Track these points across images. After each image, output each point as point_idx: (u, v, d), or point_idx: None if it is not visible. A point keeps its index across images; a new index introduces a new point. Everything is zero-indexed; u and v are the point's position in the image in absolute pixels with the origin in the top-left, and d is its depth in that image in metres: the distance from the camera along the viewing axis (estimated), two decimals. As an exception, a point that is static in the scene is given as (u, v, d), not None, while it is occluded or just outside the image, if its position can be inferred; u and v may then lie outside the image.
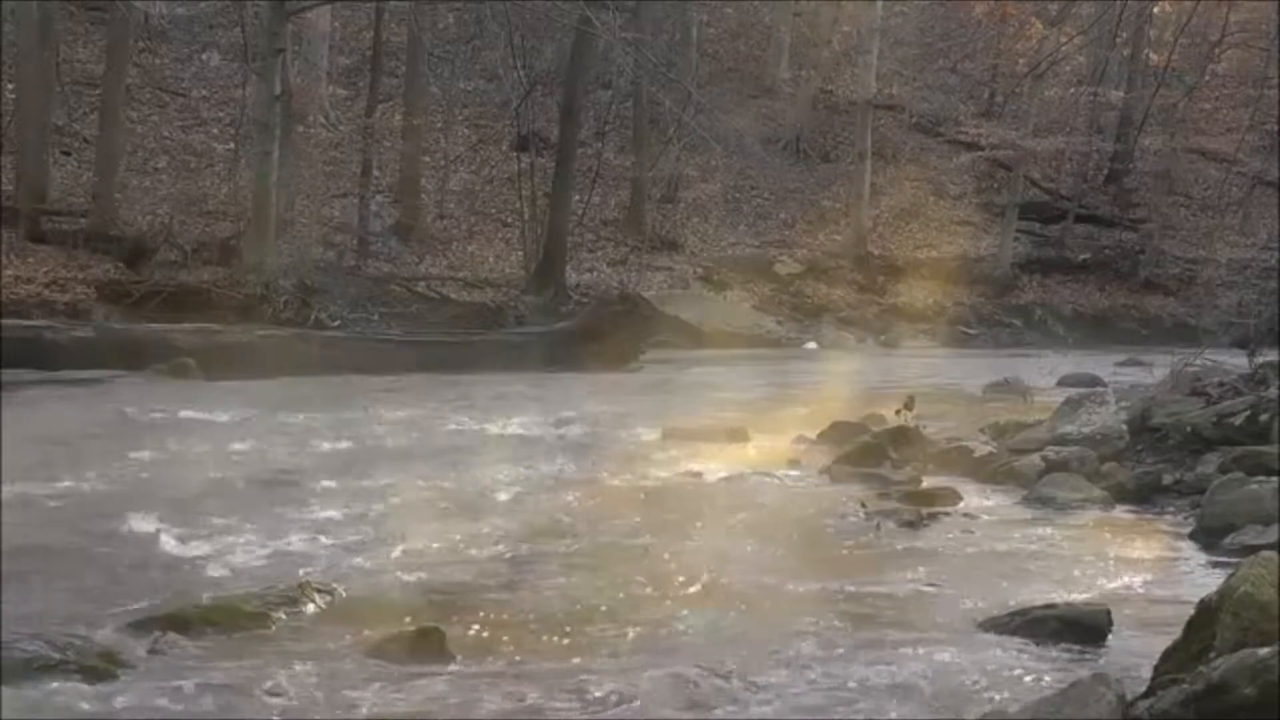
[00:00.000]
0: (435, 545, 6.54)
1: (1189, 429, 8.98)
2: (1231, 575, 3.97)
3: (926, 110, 32.15)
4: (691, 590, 5.77)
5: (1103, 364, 18.02)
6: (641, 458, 9.57)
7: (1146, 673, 3.93)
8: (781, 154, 29.60)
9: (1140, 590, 5.96)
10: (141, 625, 4.91)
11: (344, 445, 9.93)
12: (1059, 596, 5.57)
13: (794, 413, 11.78)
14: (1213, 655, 3.63)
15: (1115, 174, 31.20)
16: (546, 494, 8.10)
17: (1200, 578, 6.07)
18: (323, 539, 6.61)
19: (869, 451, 9.47)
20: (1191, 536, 7.12)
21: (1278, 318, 15.90)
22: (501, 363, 16.02)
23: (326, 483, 8.20)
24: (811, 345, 23.89)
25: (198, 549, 6.33)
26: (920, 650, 4.88)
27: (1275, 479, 7.21)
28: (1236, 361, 11.31)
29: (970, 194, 29.82)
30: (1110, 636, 5.06)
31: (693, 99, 25.38)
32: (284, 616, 5.15)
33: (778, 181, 28.72)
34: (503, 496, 7.99)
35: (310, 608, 5.28)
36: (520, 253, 24.04)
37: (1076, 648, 4.95)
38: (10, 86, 22.66)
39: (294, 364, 14.92)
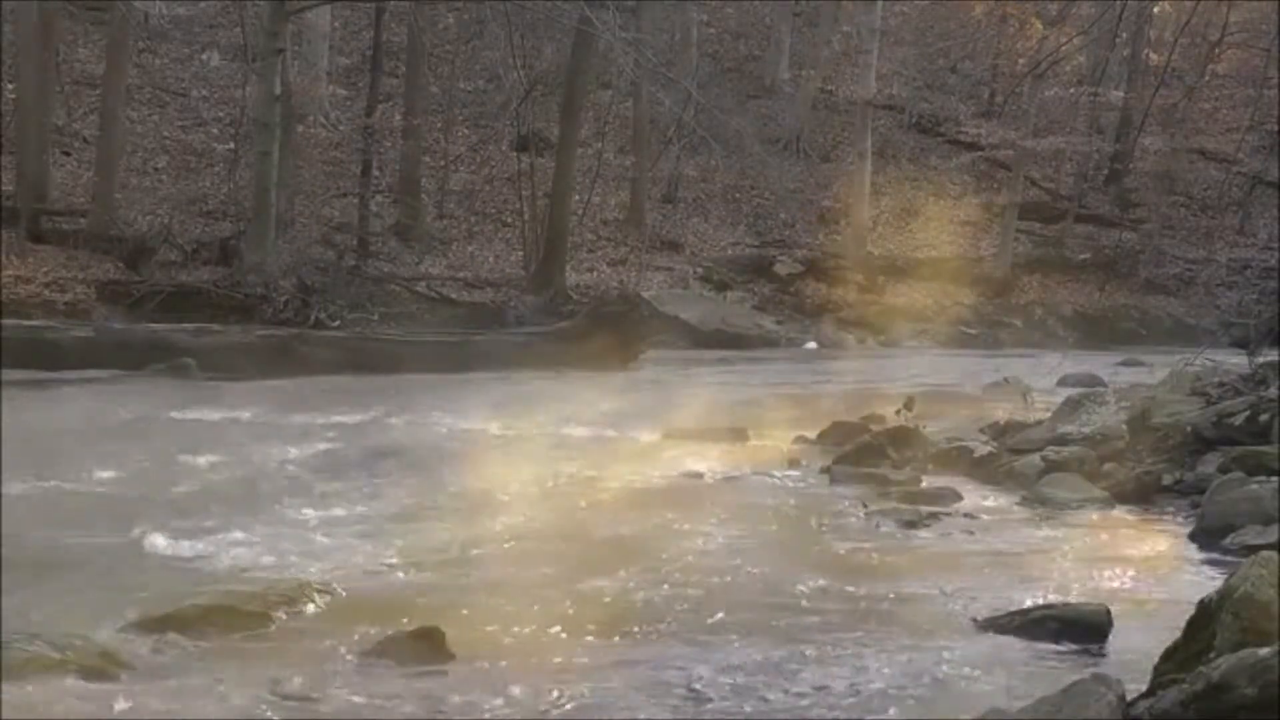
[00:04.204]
0: (435, 545, 6.54)
1: (1189, 429, 8.98)
2: (1231, 575, 3.98)
3: (926, 110, 32.14)
4: (691, 590, 5.77)
5: (1103, 364, 18.01)
6: (641, 458, 9.57)
7: (1146, 673, 3.93)
8: (781, 154, 29.57)
9: (1140, 590, 5.96)
10: (141, 625, 4.91)
11: (343, 445, 9.93)
12: (1059, 596, 5.58)
13: (794, 413, 11.79)
14: (1213, 655, 3.63)
15: (1115, 174, 31.18)
16: (546, 494, 8.10)
17: (1200, 578, 6.07)
18: (323, 539, 6.61)
19: (869, 451, 9.48)
20: (1191, 536, 7.12)
21: (1278, 318, 15.87)
22: (501, 363, 16.01)
23: (326, 483, 8.20)
24: (811, 345, 23.86)
25: (198, 549, 6.33)
26: (920, 650, 4.89)
27: (1275, 479, 7.21)
28: (1236, 361, 11.30)
29: (970, 194, 29.80)
30: (1110, 636, 5.06)
31: (693, 99, 25.36)
32: (284, 616, 5.15)
33: (778, 181, 28.68)
34: (502, 497, 7.98)
35: (310, 608, 5.28)
36: (520, 253, 24.03)
37: (1076, 648, 4.95)
38: (10, 86, 22.64)
39: (294, 364, 14.92)
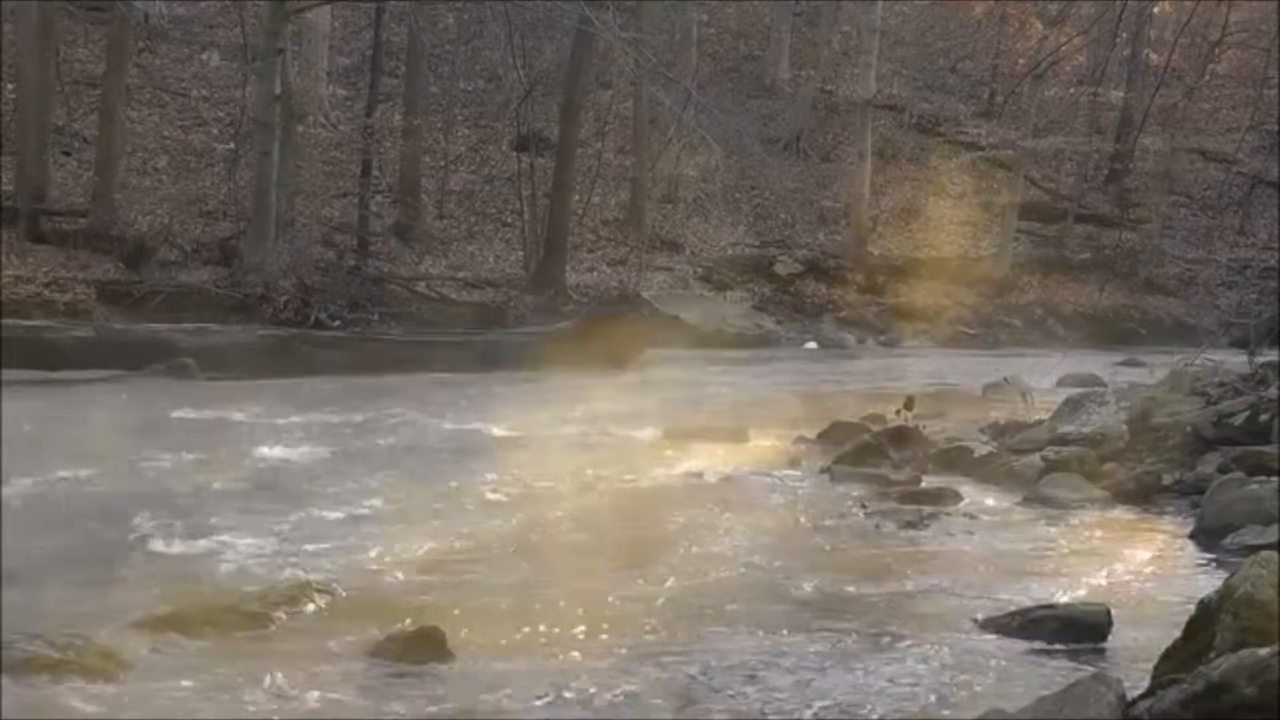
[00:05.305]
0: (435, 545, 6.54)
1: (1189, 429, 8.98)
2: (1231, 575, 3.98)
3: (926, 110, 32.13)
4: (690, 590, 5.77)
5: (1103, 364, 18.02)
6: (641, 457, 9.57)
7: (1146, 673, 3.94)
8: (781, 154, 29.55)
9: (1140, 590, 5.97)
10: (141, 625, 4.91)
11: (343, 445, 9.93)
12: (1059, 596, 5.58)
13: (794, 413, 11.78)
14: (1213, 655, 3.63)
15: (1115, 174, 31.17)
16: (546, 494, 8.10)
17: (1200, 578, 6.07)
18: (323, 539, 6.61)
19: (869, 451, 9.48)
20: (1191, 536, 7.13)
21: (1278, 318, 15.88)
22: (501, 363, 16.01)
23: (326, 482, 8.20)
24: (811, 345, 23.87)
25: (198, 549, 6.33)
26: (920, 650, 4.89)
27: (1275, 479, 7.22)
28: (1236, 361, 11.31)
29: (970, 194, 29.75)
30: (1110, 636, 5.07)
31: (693, 99, 25.33)
32: (284, 616, 5.15)
33: (778, 181, 28.66)
34: (502, 496, 7.99)
35: (310, 608, 5.28)
36: (520, 253, 24.02)
37: (1076, 648, 4.96)
38: (10, 86, 22.62)
39: (294, 364, 14.92)
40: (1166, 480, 8.36)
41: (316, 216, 23.21)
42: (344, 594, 5.50)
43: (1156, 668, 3.90)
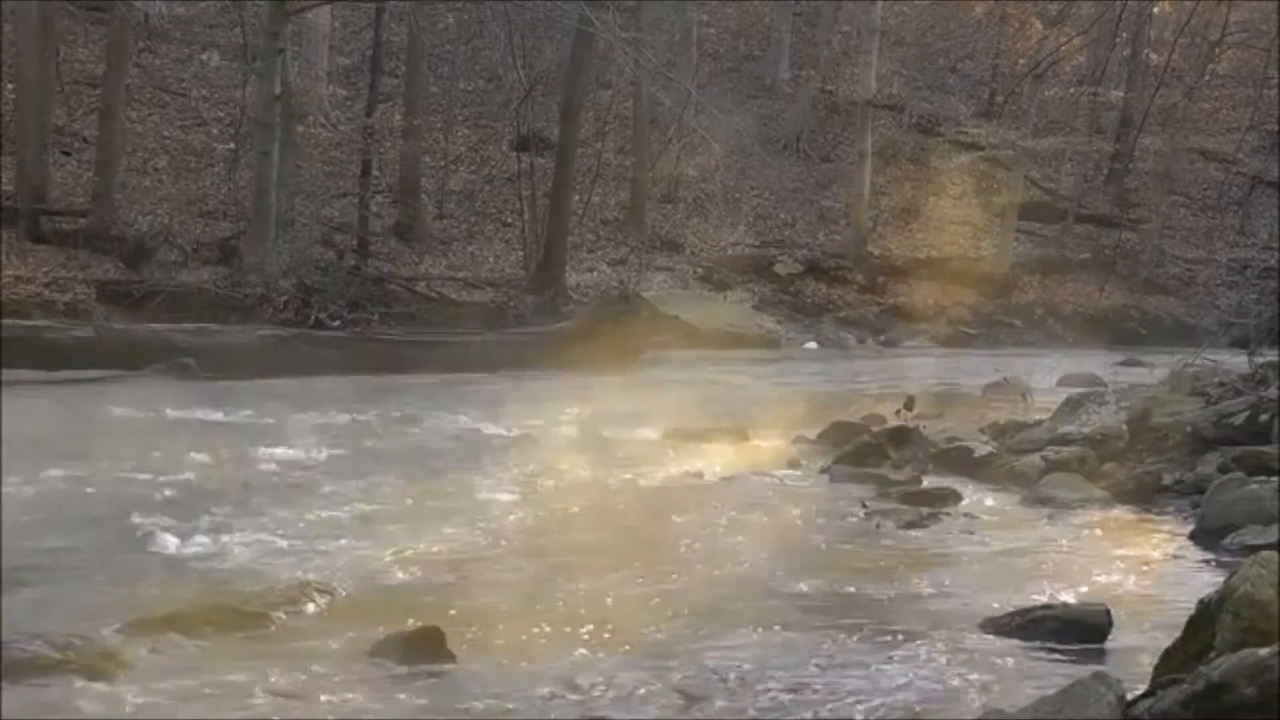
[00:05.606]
0: (435, 545, 6.55)
1: (1189, 429, 8.98)
2: (1231, 575, 3.98)
3: (926, 110, 32.13)
4: (690, 590, 5.77)
5: (1103, 364, 18.02)
6: (641, 458, 9.57)
7: (1146, 673, 3.94)
8: (781, 154, 29.57)
9: (1140, 590, 5.97)
10: (141, 625, 4.91)
11: (343, 445, 9.93)
12: (1059, 596, 5.58)
13: (794, 413, 11.78)
14: (1213, 655, 3.63)
15: (1115, 174, 31.18)
16: (546, 494, 8.10)
17: (1200, 578, 6.07)
18: (323, 539, 6.61)
19: (869, 451, 9.48)
20: (1191, 536, 7.13)
21: (1278, 318, 15.88)
22: (501, 363, 16.01)
23: (326, 483, 8.20)
24: (811, 345, 23.87)
25: (198, 549, 6.33)
26: (921, 650, 4.89)
27: (1275, 479, 7.22)
28: (1236, 361, 11.31)
29: (970, 194, 29.76)
30: (1110, 636, 5.07)
31: (693, 99, 25.32)
32: (284, 616, 5.15)
33: (778, 181, 28.68)
34: (502, 496, 7.99)
35: (310, 608, 5.28)
36: (520, 253, 24.02)
37: (1076, 648, 4.96)
38: (10, 86, 22.62)
39: (294, 364, 14.92)
40: (1166, 480, 8.36)
41: (316, 216, 23.21)
42: (344, 594, 5.50)
43: (1156, 668, 3.91)
